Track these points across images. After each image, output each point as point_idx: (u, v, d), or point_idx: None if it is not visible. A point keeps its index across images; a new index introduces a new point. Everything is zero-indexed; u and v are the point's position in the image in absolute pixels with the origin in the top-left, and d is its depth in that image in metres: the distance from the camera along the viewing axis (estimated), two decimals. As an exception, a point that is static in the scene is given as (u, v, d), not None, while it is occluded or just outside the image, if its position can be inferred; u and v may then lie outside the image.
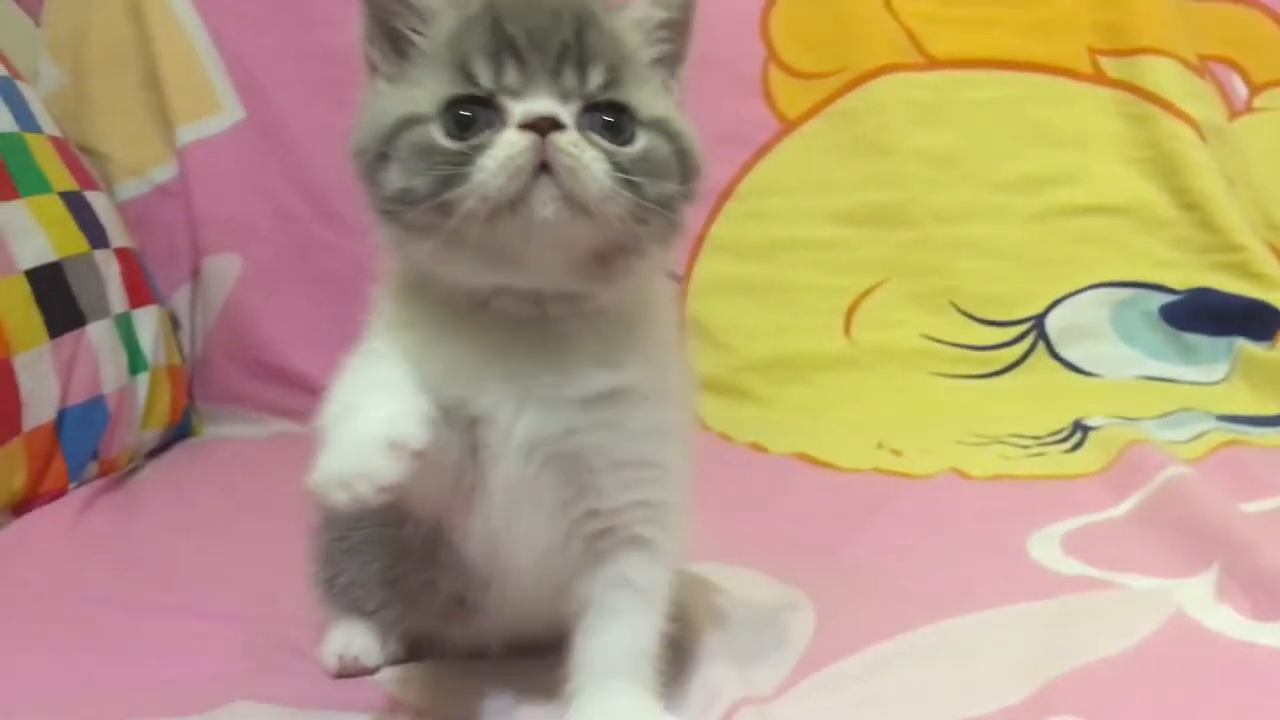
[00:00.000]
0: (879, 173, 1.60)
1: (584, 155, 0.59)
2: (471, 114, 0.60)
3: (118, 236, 1.43)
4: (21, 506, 1.16)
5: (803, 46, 1.61)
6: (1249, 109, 1.63)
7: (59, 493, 1.21)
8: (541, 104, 0.60)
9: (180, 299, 1.58)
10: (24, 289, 1.21)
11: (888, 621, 0.84)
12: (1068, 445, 1.30)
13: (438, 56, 0.62)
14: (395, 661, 0.81)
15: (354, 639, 0.79)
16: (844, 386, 1.52)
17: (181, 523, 1.18)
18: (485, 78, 0.61)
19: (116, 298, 1.37)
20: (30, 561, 1.04)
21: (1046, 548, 0.99)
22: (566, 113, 0.60)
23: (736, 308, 1.57)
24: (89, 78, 1.60)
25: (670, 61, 0.66)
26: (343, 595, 0.80)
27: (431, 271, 0.64)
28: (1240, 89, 1.63)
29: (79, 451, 1.24)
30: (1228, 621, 0.82)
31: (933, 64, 1.61)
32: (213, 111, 1.59)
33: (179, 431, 1.49)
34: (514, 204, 0.59)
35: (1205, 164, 1.56)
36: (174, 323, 1.55)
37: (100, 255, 1.36)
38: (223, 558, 1.07)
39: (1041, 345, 1.55)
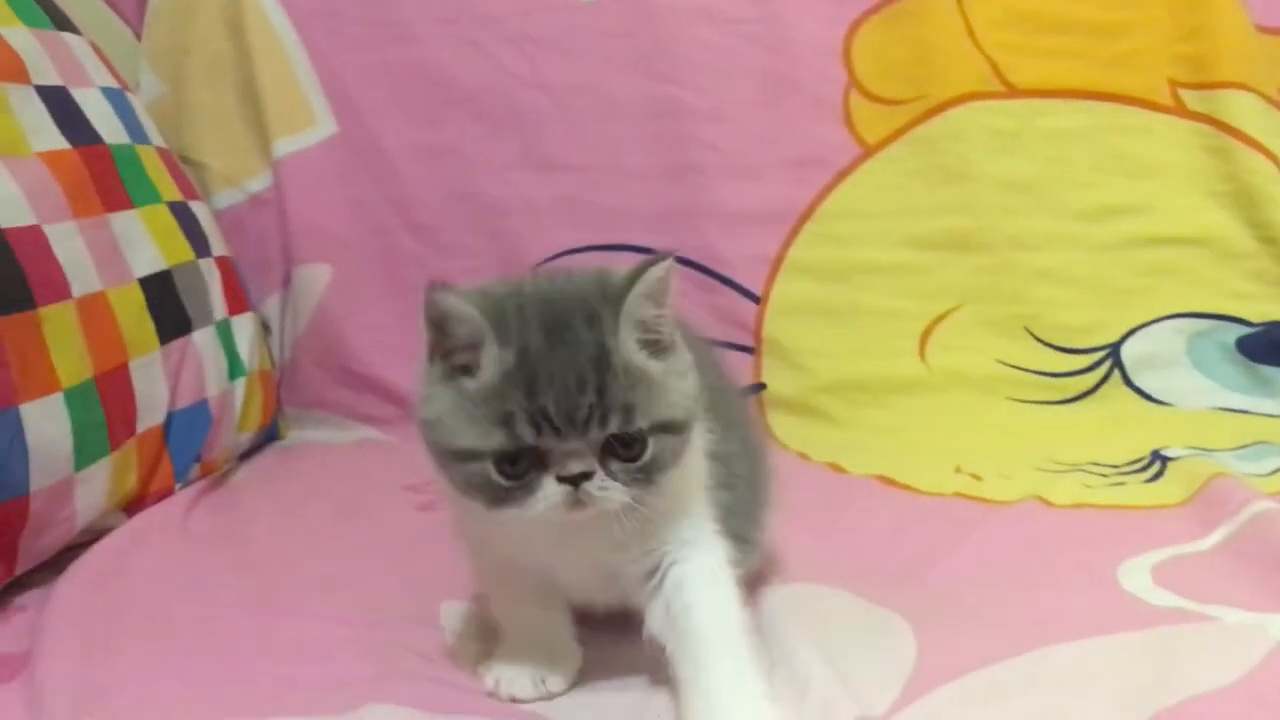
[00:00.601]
0: (957, 199, 1.61)
1: (609, 492, 0.75)
2: (518, 460, 0.74)
3: (218, 245, 1.47)
4: (133, 505, 1.20)
5: (884, 73, 1.63)
6: (1329, 144, 1.63)
7: (166, 492, 1.25)
8: (575, 464, 0.74)
9: (271, 306, 1.63)
10: (138, 296, 1.25)
11: (988, 647, 0.86)
12: (1147, 475, 1.31)
13: (487, 400, 0.74)
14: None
15: (513, 678, 0.85)
16: (920, 410, 1.53)
17: (283, 526, 1.22)
18: (529, 437, 0.73)
19: (218, 305, 1.42)
20: (149, 561, 1.08)
21: (1137, 578, 1.01)
22: (592, 454, 0.74)
23: (813, 329, 1.59)
24: (188, 89, 1.64)
25: (662, 324, 0.77)
26: None
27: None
28: (1321, 124, 1.63)
29: (185, 453, 1.29)
30: (1326, 659, 0.83)
31: (1013, 92, 1.63)
32: (307, 125, 1.63)
33: (268, 435, 1.54)
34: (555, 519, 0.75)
35: (1284, 198, 1.56)
36: (265, 329, 1.59)
37: (204, 264, 1.41)
38: (327, 562, 1.11)
39: (1116, 373, 1.56)
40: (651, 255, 0.76)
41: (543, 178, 1.64)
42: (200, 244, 1.42)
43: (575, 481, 0.74)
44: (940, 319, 1.60)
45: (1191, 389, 1.54)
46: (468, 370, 0.74)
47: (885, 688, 0.82)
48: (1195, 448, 1.36)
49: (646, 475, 0.75)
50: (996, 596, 0.98)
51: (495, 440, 0.73)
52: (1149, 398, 1.55)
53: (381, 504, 1.28)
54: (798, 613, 0.94)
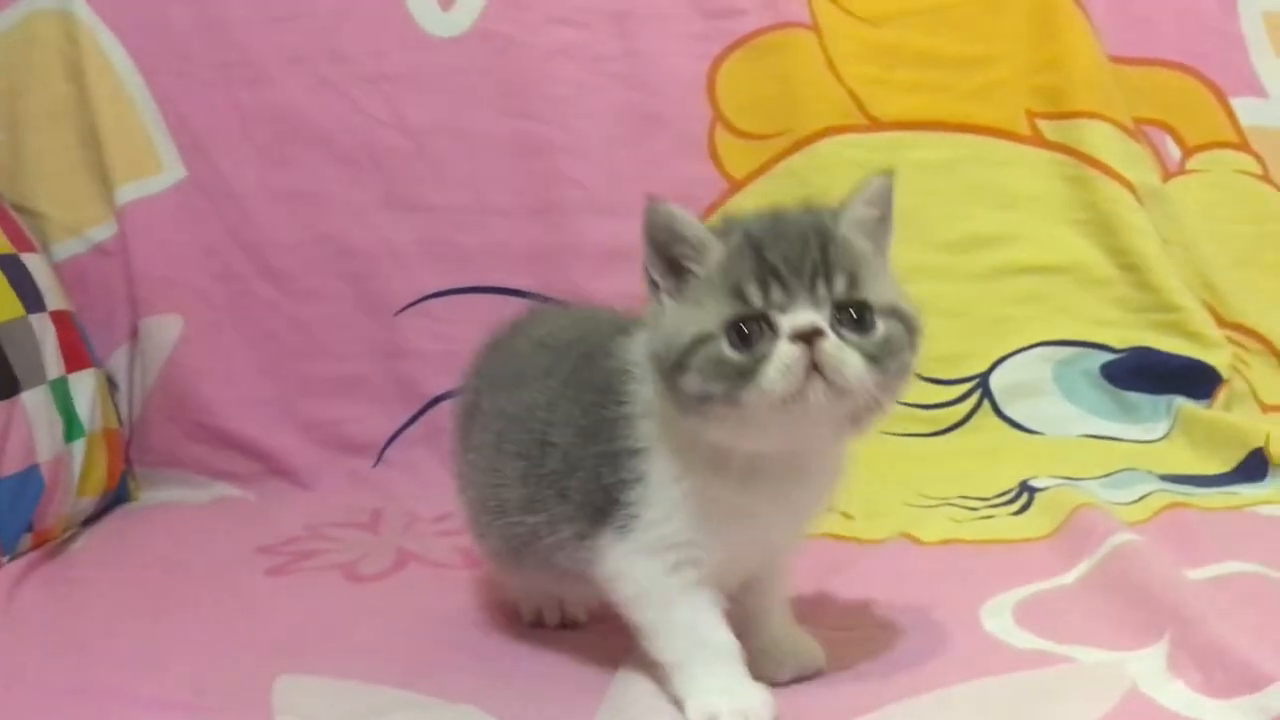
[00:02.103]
0: (825, 232, 1.61)
1: (844, 355, 0.74)
2: (750, 330, 0.75)
3: (54, 299, 1.40)
4: (-48, 583, 1.12)
5: (749, 108, 1.62)
6: (1182, 170, 1.67)
7: (-8, 568, 1.17)
8: (805, 316, 0.74)
9: (118, 360, 1.55)
10: (-44, 358, 1.18)
11: (850, 699, 0.84)
12: (1015, 507, 1.31)
13: (714, 282, 0.77)
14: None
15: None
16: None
17: (122, 598, 1.14)
18: (757, 298, 0.75)
19: (52, 362, 1.34)
20: (-38, 645, 1.01)
21: (999, 618, 1.00)
22: (823, 319, 0.75)
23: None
24: (25, 134, 1.56)
25: (882, 247, 0.81)
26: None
27: (724, 444, 0.78)
28: (1174, 151, 1.67)
29: (13, 523, 1.21)
30: (1180, 697, 0.82)
31: (876, 125, 1.63)
32: (153, 170, 1.56)
33: (116, 497, 1.46)
34: (793, 398, 0.74)
35: (1142, 225, 1.59)
36: (111, 385, 1.52)
37: (36, 319, 1.33)
38: (162, 638, 1.04)
39: (986, 403, 1.57)
40: None
41: (404, 219, 1.59)
42: (33, 299, 1.34)
43: (809, 339, 0.73)
44: (812, 354, 1.59)
45: (1059, 416, 1.55)
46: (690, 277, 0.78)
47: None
48: (1063, 477, 1.37)
49: (880, 355, 0.75)
50: (862, 642, 0.96)
51: (724, 311, 0.75)
52: (1019, 426, 1.55)
53: (229, 570, 1.22)
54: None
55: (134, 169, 1.56)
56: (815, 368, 0.73)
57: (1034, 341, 1.59)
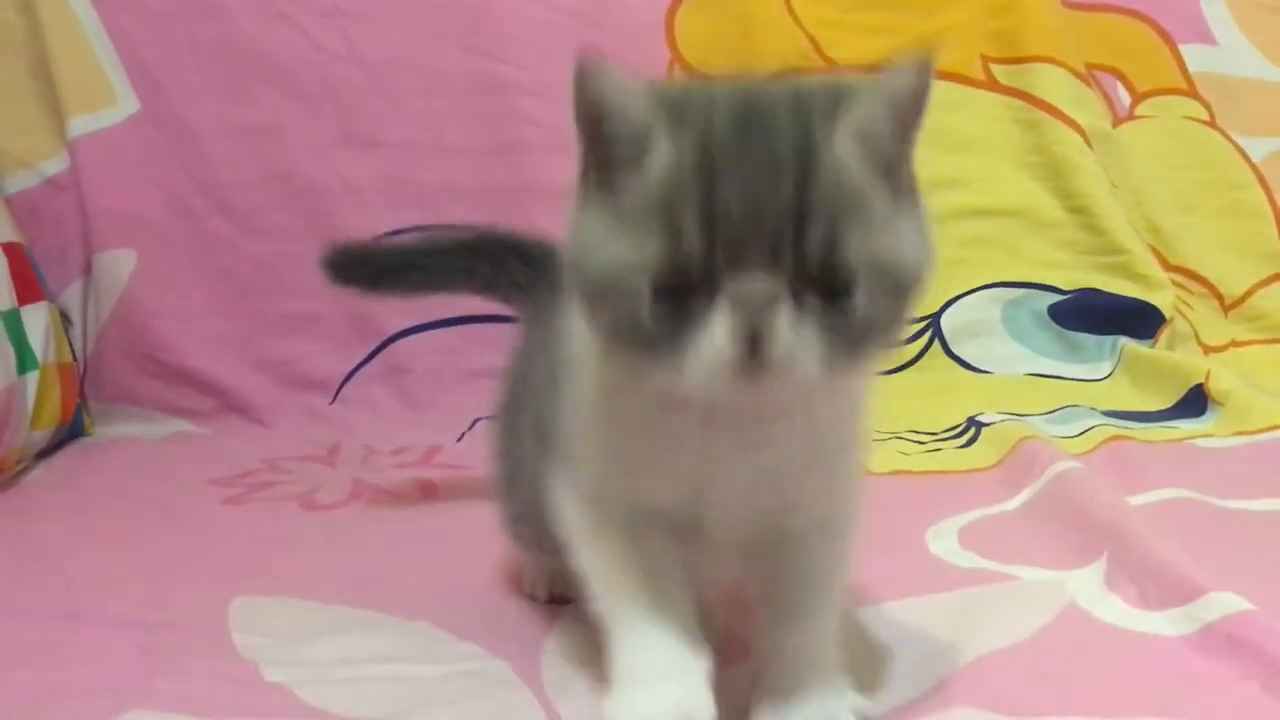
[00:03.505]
0: (781, 174, 1.62)
1: (799, 351, 0.55)
2: (683, 286, 0.56)
3: (5, 231, 1.38)
4: (-95, 510, 1.12)
5: (706, 50, 1.63)
6: (1131, 116, 1.70)
7: (-57, 496, 1.17)
8: (756, 284, 0.55)
9: (71, 296, 1.53)
10: (-94, 286, 1.17)
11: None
12: (962, 440, 1.34)
13: (650, 208, 0.57)
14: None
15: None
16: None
17: (75, 527, 1.15)
18: (696, 246, 0.55)
19: (4, 294, 1.33)
20: (-84, 568, 1.01)
21: (944, 541, 1.03)
22: (781, 286, 0.55)
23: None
24: (-27, 65, 1.54)
25: (899, 160, 0.60)
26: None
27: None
28: (1124, 97, 1.69)
29: (-35, 453, 1.20)
30: (1116, 611, 0.86)
31: (834, 68, 1.64)
32: (107, 104, 1.54)
33: (70, 432, 1.45)
34: (722, 389, 0.56)
35: (1091, 169, 1.61)
36: (65, 320, 1.51)
37: (-13, 250, 1.32)
38: (119, 564, 1.04)
39: (937, 343, 1.60)
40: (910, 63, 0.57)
41: (362, 156, 1.58)
42: (-17, 229, 1.33)
43: (754, 317, 0.54)
44: (768, 294, 1.61)
45: (1007, 356, 1.59)
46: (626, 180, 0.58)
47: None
48: (1010, 413, 1.40)
49: (851, 336, 0.56)
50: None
51: (652, 251, 0.55)
52: (968, 365, 1.58)
53: (184, 499, 1.22)
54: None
55: (86, 102, 1.54)
56: (756, 359, 0.55)
57: (984, 283, 1.62)
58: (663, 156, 0.57)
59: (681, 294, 0.56)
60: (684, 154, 0.57)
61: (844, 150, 0.57)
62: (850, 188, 0.56)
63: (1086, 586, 0.90)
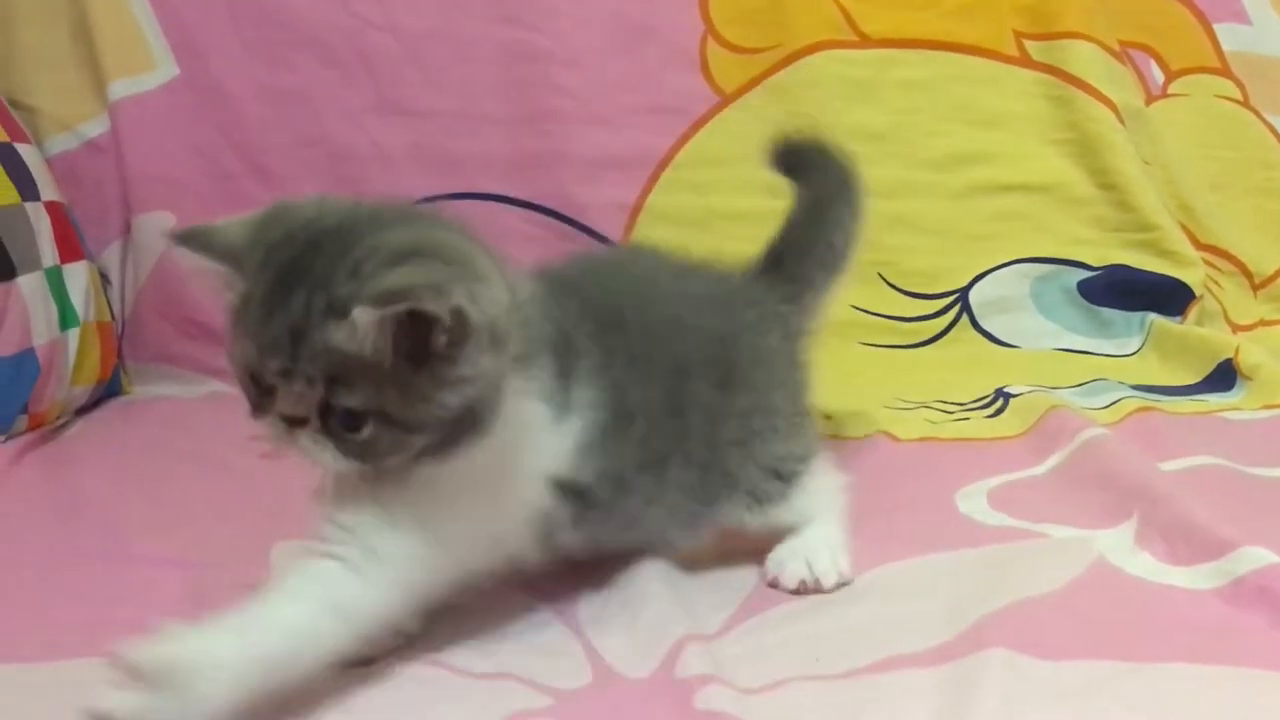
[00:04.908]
0: (812, 147, 1.63)
1: (320, 452, 0.69)
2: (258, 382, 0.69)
3: (48, 190, 1.40)
4: (-50, 457, 1.14)
5: (740, 21, 1.63)
6: (1164, 94, 1.69)
7: (-11, 445, 1.19)
8: (286, 404, 0.69)
9: (110, 257, 1.56)
10: (-46, 238, 1.19)
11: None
12: (990, 410, 1.34)
13: (230, 325, 0.71)
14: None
15: None
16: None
17: (118, 475, 1.17)
18: (255, 363, 0.69)
19: (47, 251, 1.35)
20: (-36, 511, 1.03)
21: (973, 502, 1.04)
22: (312, 405, 0.68)
23: (672, 276, 1.59)
24: (16, 29, 1.55)
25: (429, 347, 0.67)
26: None
27: None
28: (1157, 74, 1.69)
29: (9, 403, 1.22)
30: (1146, 566, 0.87)
31: (866, 42, 1.65)
32: (147, 67, 1.56)
33: (109, 390, 1.47)
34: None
35: (1123, 146, 1.61)
36: (104, 280, 1.53)
37: (31, 208, 1.34)
38: (161, 508, 1.06)
39: (965, 317, 1.60)
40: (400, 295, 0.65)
41: (395, 123, 1.60)
42: (27, 187, 1.35)
43: (291, 424, 0.69)
44: (797, 265, 1.61)
45: (1035, 331, 1.59)
46: None
47: (722, 608, 0.83)
48: (1037, 385, 1.40)
49: (362, 453, 0.69)
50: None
51: (244, 356, 0.69)
52: (996, 340, 1.59)
53: (222, 453, 1.23)
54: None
55: (127, 65, 1.56)
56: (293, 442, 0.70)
57: (1013, 258, 1.62)
58: (237, 293, 0.70)
59: (259, 390, 0.70)
60: (237, 301, 0.70)
61: (358, 328, 0.66)
62: (352, 353, 0.66)
63: (1116, 543, 0.91)
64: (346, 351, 0.66)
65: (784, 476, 0.89)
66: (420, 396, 0.68)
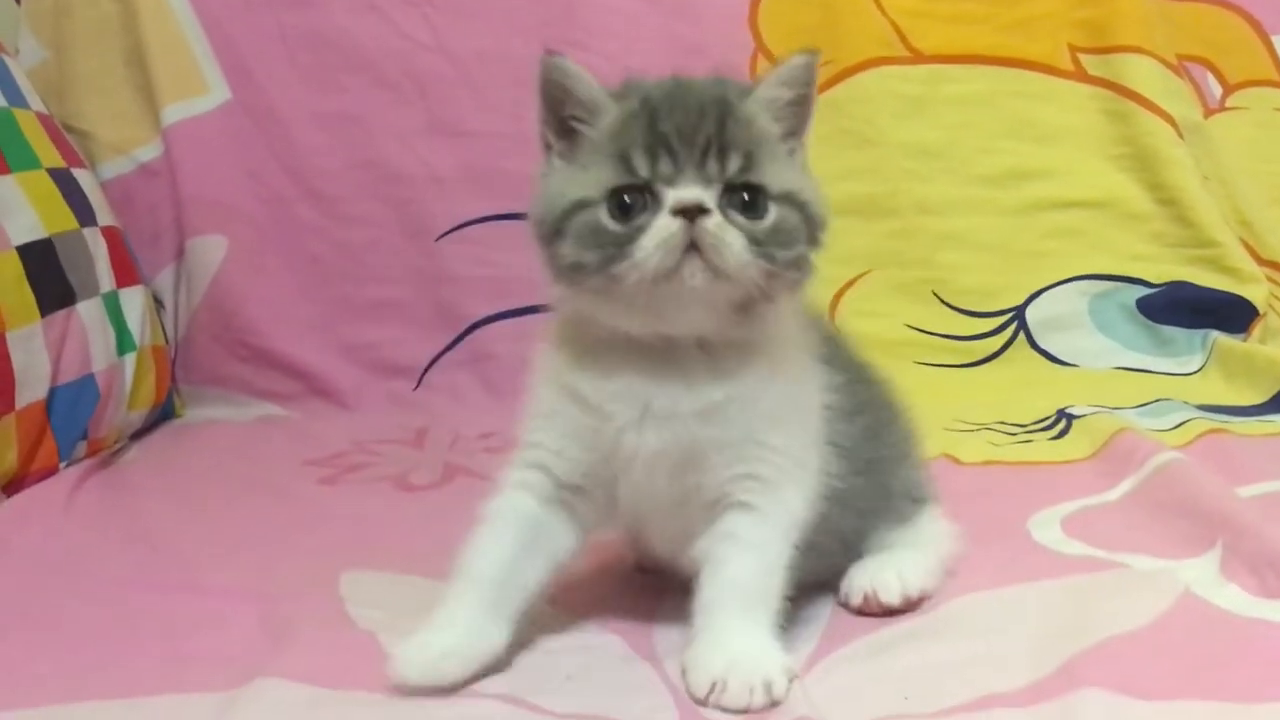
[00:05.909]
0: (864, 164, 1.62)
1: (725, 235, 0.71)
2: (632, 200, 0.72)
3: (104, 215, 1.41)
4: (12, 485, 1.14)
5: (790, 38, 1.62)
6: (1223, 108, 1.67)
7: (49, 471, 1.19)
8: (690, 192, 0.71)
9: (164, 280, 1.56)
10: (15, 265, 1.19)
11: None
12: (1054, 432, 1.32)
13: (602, 146, 0.74)
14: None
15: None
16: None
17: (178, 503, 1.16)
18: (643, 168, 0.72)
19: (105, 276, 1.35)
20: (29, 540, 1.02)
21: (1047, 530, 1.02)
22: (710, 196, 0.71)
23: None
24: (72, 54, 1.57)
25: (796, 131, 0.77)
26: None
27: (593, 318, 0.76)
28: (1215, 88, 1.67)
29: (70, 430, 1.23)
30: (1235, 599, 0.85)
31: (918, 58, 1.63)
32: (199, 91, 1.57)
33: (162, 413, 1.47)
34: (668, 275, 0.71)
35: (1182, 160, 1.59)
36: (157, 304, 1.53)
37: (89, 233, 1.34)
38: (224, 537, 1.06)
39: (1022, 335, 1.58)
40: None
41: (447, 145, 1.60)
42: (85, 213, 1.35)
43: (691, 215, 0.70)
44: (850, 284, 1.60)
45: (1094, 349, 1.57)
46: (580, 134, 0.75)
47: (805, 641, 0.81)
48: (1099, 406, 1.38)
49: (767, 242, 0.71)
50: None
51: (607, 178, 0.72)
52: (1054, 359, 1.57)
53: (281, 479, 1.24)
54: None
55: (180, 90, 1.56)
56: (695, 246, 0.70)
57: (1070, 275, 1.60)
58: (611, 114, 0.74)
59: (632, 208, 0.72)
60: (628, 109, 0.74)
61: (754, 106, 0.75)
62: (760, 131, 0.74)
63: (1202, 575, 0.89)
64: (759, 123, 0.74)
65: (918, 500, 0.91)
66: (795, 167, 0.75)
